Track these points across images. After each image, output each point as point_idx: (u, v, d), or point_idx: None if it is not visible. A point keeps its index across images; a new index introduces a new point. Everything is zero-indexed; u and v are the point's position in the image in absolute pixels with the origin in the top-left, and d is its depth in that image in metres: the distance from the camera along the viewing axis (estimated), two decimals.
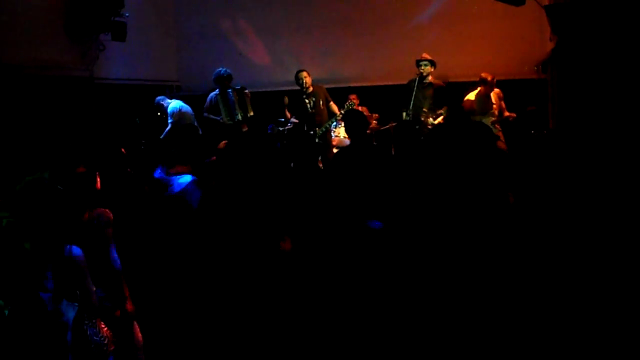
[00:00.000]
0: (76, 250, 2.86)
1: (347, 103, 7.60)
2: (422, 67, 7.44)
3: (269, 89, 9.73)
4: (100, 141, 6.52)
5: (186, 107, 8.49)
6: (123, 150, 4.54)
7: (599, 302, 3.53)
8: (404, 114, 7.43)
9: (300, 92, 7.77)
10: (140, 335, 3.58)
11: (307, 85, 7.67)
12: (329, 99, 7.80)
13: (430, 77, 7.51)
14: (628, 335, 3.29)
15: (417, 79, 7.44)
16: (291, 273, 3.75)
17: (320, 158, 7.51)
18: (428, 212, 3.87)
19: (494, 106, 7.56)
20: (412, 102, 7.35)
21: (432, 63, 7.47)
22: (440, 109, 7.45)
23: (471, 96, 7.56)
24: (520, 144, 7.02)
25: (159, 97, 8.65)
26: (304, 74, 7.71)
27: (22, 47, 7.01)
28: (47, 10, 7.50)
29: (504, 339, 3.39)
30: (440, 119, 7.38)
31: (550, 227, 4.15)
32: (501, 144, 7.02)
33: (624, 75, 5.53)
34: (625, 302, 3.52)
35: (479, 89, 7.51)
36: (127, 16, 8.26)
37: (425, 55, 7.49)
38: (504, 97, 7.73)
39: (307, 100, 7.69)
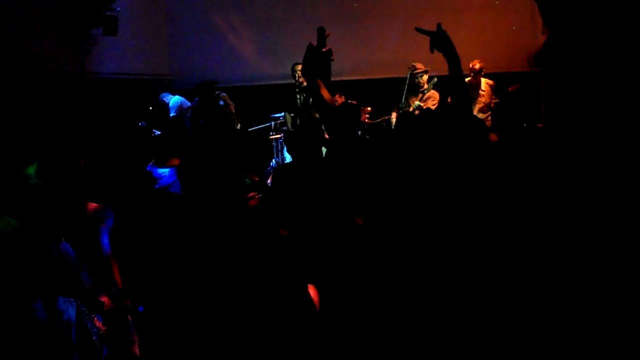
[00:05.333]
0: (65, 246, 2.86)
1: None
2: (419, 79, 7.30)
3: (260, 83, 9.75)
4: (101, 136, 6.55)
5: (187, 103, 8.79)
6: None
7: (593, 298, 3.53)
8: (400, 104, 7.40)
9: (294, 86, 7.77)
10: (134, 329, 3.58)
11: (301, 80, 7.63)
12: None
13: (428, 86, 7.38)
14: (626, 335, 3.29)
15: (408, 79, 7.33)
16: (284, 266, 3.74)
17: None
18: (416, 206, 3.87)
19: (482, 93, 7.57)
20: (403, 98, 7.33)
21: (427, 72, 7.40)
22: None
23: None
24: (513, 138, 7.01)
25: (162, 94, 9.06)
26: (299, 67, 7.65)
27: (11, 42, 6.96)
28: (37, 4, 7.45)
29: (497, 337, 3.39)
30: (429, 103, 7.28)
31: (542, 222, 4.14)
32: (493, 137, 7.01)
33: (618, 69, 5.54)
34: (618, 293, 3.52)
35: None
36: (119, 10, 8.23)
37: (420, 66, 7.40)
38: (495, 89, 7.73)
39: (297, 95, 7.70)
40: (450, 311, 3.52)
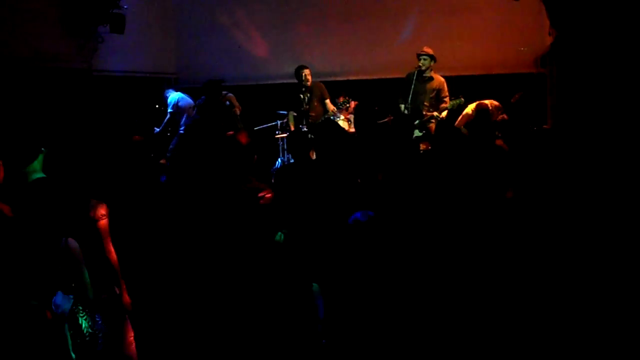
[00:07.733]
0: (72, 242, 2.86)
1: (341, 101, 7.75)
2: (421, 61, 7.35)
3: (266, 82, 9.75)
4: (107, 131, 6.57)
5: (185, 100, 8.81)
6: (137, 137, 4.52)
7: (597, 300, 3.52)
8: (402, 106, 7.39)
9: (298, 87, 7.78)
10: (131, 328, 3.57)
11: (307, 82, 7.69)
12: (326, 96, 7.80)
13: (430, 71, 7.44)
14: (627, 335, 3.26)
15: (416, 72, 7.36)
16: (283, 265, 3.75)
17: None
18: (425, 207, 3.86)
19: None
20: (410, 95, 7.29)
21: (432, 57, 7.37)
22: (443, 102, 7.39)
23: (469, 109, 7.34)
24: (520, 141, 6.95)
25: (167, 90, 9.13)
26: (307, 71, 7.74)
27: (20, 40, 6.99)
28: (45, 2, 7.48)
29: (499, 337, 3.38)
30: (445, 113, 7.31)
31: (549, 224, 4.13)
32: (499, 142, 6.93)
33: (624, 70, 5.51)
34: (624, 298, 3.50)
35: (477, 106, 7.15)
36: (126, 8, 8.25)
37: (426, 49, 7.40)
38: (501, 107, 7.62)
39: (302, 96, 7.73)
40: (454, 310, 3.51)
